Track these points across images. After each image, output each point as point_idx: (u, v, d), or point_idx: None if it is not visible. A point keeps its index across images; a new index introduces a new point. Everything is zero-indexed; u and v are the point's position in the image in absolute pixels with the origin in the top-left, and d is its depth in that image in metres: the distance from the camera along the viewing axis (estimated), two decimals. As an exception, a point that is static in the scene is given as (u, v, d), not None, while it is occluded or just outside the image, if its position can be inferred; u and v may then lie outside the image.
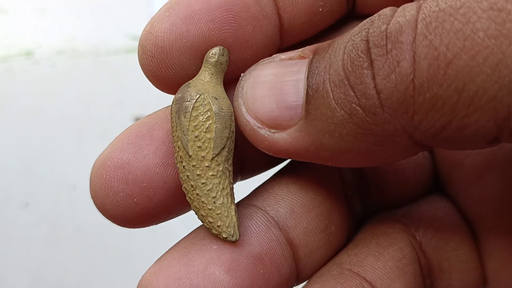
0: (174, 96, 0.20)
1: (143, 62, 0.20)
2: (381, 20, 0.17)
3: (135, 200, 0.20)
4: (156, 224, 0.21)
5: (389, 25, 0.16)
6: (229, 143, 0.20)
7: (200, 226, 0.21)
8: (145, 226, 0.21)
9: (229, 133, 0.20)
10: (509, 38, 0.14)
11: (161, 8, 0.20)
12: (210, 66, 0.20)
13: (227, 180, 0.20)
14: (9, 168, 0.54)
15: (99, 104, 0.58)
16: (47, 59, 0.60)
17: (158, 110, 0.22)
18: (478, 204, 0.24)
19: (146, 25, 0.20)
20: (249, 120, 0.20)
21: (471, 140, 0.16)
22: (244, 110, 0.20)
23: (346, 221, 0.24)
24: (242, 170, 0.23)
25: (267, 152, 0.20)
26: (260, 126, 0.20)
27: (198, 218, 0.20)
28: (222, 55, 0.20)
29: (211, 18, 0.20)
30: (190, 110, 0.19)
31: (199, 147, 0.19)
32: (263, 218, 0.21)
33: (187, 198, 0.20)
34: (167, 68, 0.20)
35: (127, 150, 0.20)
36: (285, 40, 0.22)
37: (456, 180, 0.25)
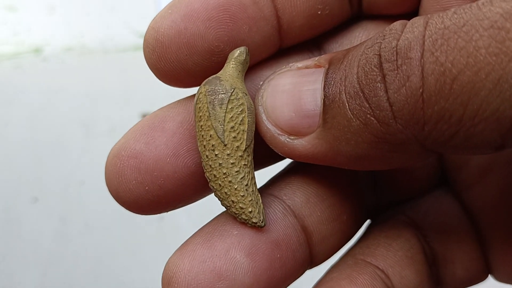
0: (200, 87, 0.21)
1: (146, 55, 0.21)
2: (392, 36, 0.18)
3: (146, 188, 0.21)
4: (166, 211, 0.22)
5: (399, 41, 0.17)
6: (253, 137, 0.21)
7: (220, 214, 0.22)
8: (156, 213, 0.22)
9: (255, 128, 0.21)
10: (508, 55, 0.15)
11: (166, 6, 0.21)
12: (238, 64, 0.21)
13: (253, 170, 0.21)
14: (18, 163, 0.55)
15: (107, 100, 0.58)
16: (56, 56, 0.61)
17: (169, 104, 0.23)
18: (481, 200, 0.25)
19: (151, 21, 0.21)
20: (269, 127, 0.21)
21: (478, 147, 0.17)
22: (264, 118, 0.21)
23: (358, 211, 0.25)
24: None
25: (287, 157, 0.22)
26: (280, 133, 0.21)
27: (224, 204, 0.21)
28: (248, 54, 0.21)
29: (208, 17, 0.21)
30: (226, 102, 0.20)
31: (234, 137, 0.20)
32: (280, 207, 0.23)
33: (212, 184, 0.21)
34: (166, 62, 0.21)
35: (140, 140, 0.21)
36: (285, 41, 0.23)
37: (461, 178, 0.26)
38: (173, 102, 0.23)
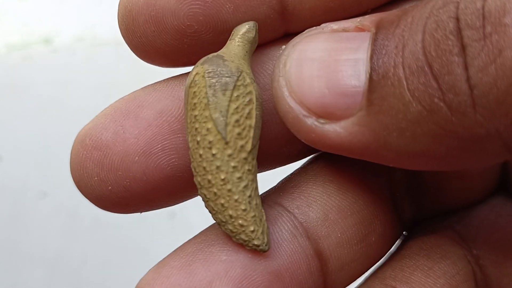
0: (196, 66, 0.17)
1: (119, 23, 0.19)
2: None
3: (109, 188, 0.18)
4: (140, 212, 0.19)
5: (486, 0, 0.13)
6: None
7: (210, 226, 0.19)
8: (127, 213, 0.19)
9: (262, 124, 0.18)
10: None
11: None
12: (245, 42, 0.17)
13: (256, 178, 0.17)
14: (27, 157, 0.54)
15: (119, 93, 0.56)
16: (67, 47, 0.60)
17: (153, 84, 0.19)
18: None
19: None
20: (292, 106, 0.17)
21: None
22: (286, 93, 0.17)
23: (391, 229, 0.20)
24: None
25: (313, 146, 0.17)
26: (307, 114, 0.16)
27: (217, 219, 0.17)
28: (257, 32, 0.18)
29: None
30: (232, 88, 0.17)
31: (238, 134, 0.17)
32: (289, 224, 0.18)
33: (204, 192, 0.17)
34: (133, 34, 0.18)
35: (109, 128, 0.18)
36: (291, 26, 0.19)
37: None
38: (157, 82, 0.19)
